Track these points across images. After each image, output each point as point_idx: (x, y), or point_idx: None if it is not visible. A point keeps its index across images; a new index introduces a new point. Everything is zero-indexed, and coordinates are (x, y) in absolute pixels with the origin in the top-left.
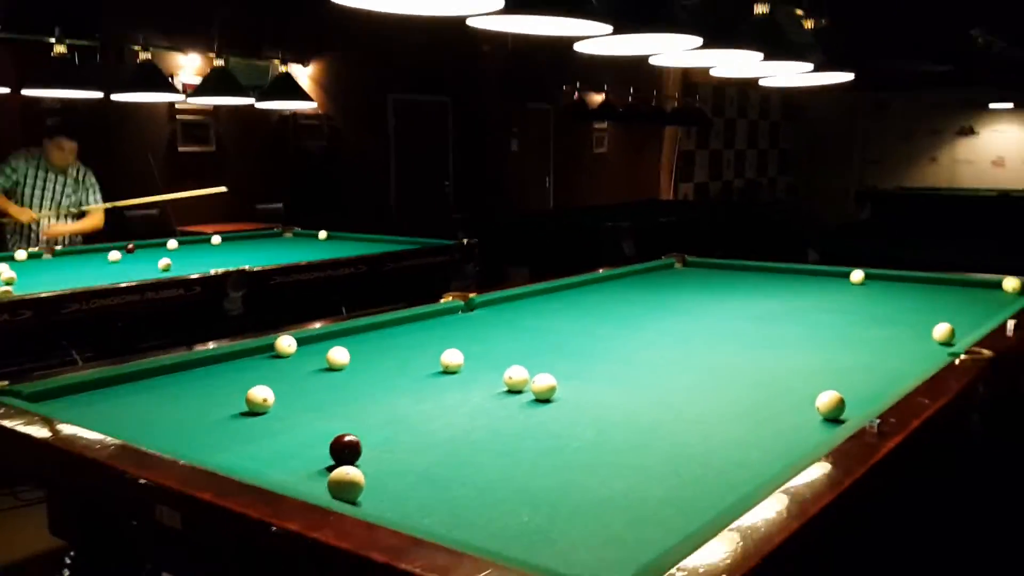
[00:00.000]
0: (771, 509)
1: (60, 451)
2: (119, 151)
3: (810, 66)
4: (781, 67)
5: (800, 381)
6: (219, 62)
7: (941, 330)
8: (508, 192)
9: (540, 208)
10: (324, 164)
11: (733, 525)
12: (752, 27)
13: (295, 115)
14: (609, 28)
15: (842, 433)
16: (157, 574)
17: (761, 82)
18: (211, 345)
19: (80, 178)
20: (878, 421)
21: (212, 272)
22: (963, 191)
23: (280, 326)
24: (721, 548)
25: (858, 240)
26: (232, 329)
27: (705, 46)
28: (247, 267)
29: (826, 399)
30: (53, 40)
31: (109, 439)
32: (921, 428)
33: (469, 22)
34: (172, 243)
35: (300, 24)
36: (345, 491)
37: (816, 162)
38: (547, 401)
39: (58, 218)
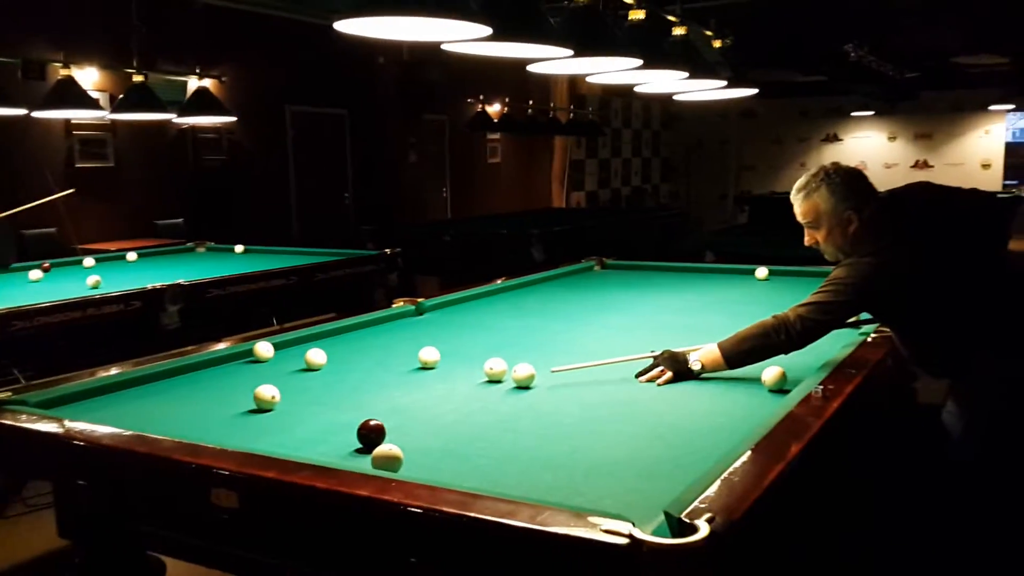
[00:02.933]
0: (757, 458)
1: (113, 450)
2: (15, 167)
3: (724, 83)
4: (700, 84)
5: None
6: (139, 78)
7: (771, 374)
8: (407, 202)
9: (438, 218)
10: (224, 178)
11: (730, 469)
12: (675, 47)
13: (194, 129)
14: (570, 52)
15: (791, 400)
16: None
17: (675, 97)
18: (189, 355)
19: None
20: (821, 388)
21: (149, 287)
22: None
23: (217, 338)
24: (726, 487)
25: (740, 241)
26: (170, 343)
27: (642, 67)
28: (183, 281)
29: (772, 374)
30: None
31: (154, 436)
32: (853, 392)
33: (444, 46)
34: (89, 260)
35: (197, 36)
36: (390, 464)
37: (694, 169)
38: (527, 388)
39: None
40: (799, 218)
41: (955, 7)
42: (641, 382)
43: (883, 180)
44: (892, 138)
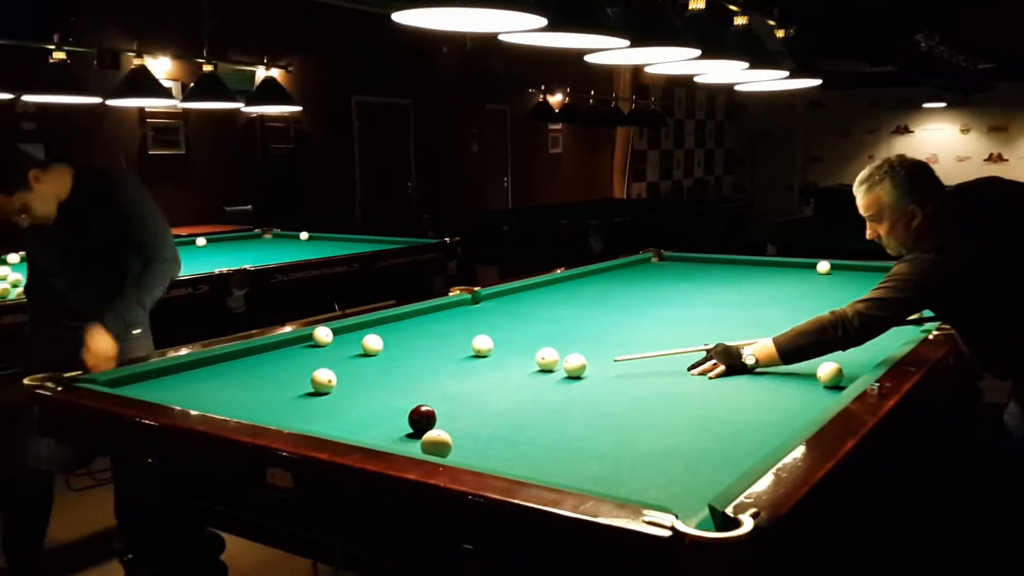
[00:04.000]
0: (807, 454)
1: (175, 428)
2: (92, 156)
3: (786, 73)
4: (761, 75)
5: None
6: (209, 67)
7: (826, 370)
8: (468, 192)
9: (499, 207)
10: (291, 166)
11: (779, 465)
12: (736, 37)
13: (262, 118)
14: (626, 42)
15: (846, 396)
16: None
17: (737, 87)
18: (252, 338)
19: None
20: (877, 385)
21: (217, 271)
22: None
23: (282, 322)
24: (773, 482)
25: (804, 234)
26: (236, 326)
27: (701, 57)
28: (248, 266)
29: (827, 369)
30: (52, 47)
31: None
32: (911, 390)
33: (501, 37)
34: None
35: (265, 27)
36: (438, 449)
37: (759, 160)
38: (578, 378)
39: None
40: (861, 211)
41: None
42: (693, 375)
43: (955, 174)
44: (965, 131)
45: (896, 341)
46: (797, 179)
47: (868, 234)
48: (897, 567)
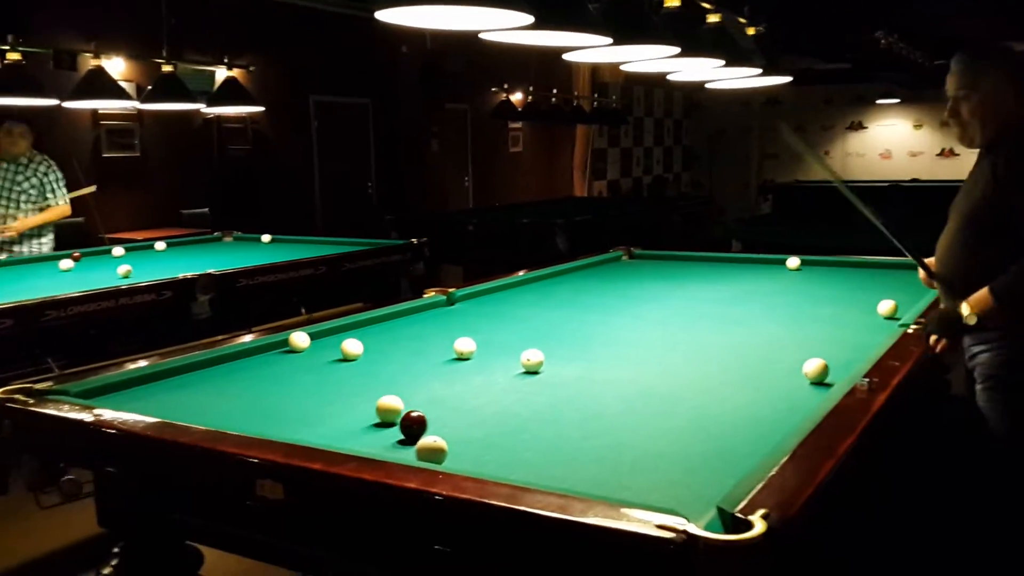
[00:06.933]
0: (808, 452)
1: (158, 440)
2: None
3: (759, 70)
4: (735, 72)
5: (777, 353)
6: (168, 68)
7: (886, 306)
8: (429, 191)
9: (460, 206)
10: (249, 167)
11: (781, 464)
12: (711, 35)
13: (219, 119)
14: (610, 40)
15: (836, 393)
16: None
17: (709, 85)
18: (226, 344)
19: (41, 173)
20: (867, 380)
21: (181, 276)
22: (855, 183)
23: (248, 327)
24: (780, 482)
25: (766, 230)
26: (200, 332)
27: (679, 55)
28: (213, 271)
29: (813, 366)
30: (6, 48)
31: (199, 427)
32: (899, 385)
33: (482, 36)
34: (118, 250)
35: (223, 26)
36: (434, 456)
37: (717, 157)
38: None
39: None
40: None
41: None
42: (937, 351)
43: (908, 169)
44: (918, 126)
45: (877, 337)
46: (754, 176)
47: (947, 114)
48: (891, 559)
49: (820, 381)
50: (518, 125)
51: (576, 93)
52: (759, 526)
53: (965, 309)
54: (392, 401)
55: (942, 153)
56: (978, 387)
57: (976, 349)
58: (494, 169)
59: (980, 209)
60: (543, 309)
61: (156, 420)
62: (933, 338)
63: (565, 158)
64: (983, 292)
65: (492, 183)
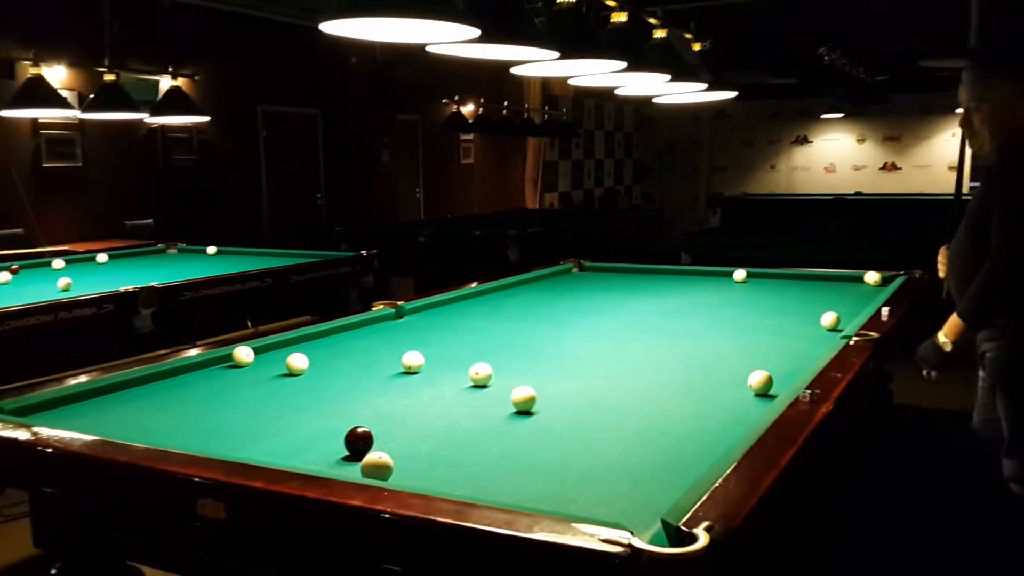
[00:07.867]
0: (751, 463)
1: (96, 459)
2: None
3: (704, 85)
4: (681, 87)
5: (722, 364)
6: (111, 76)
7: (829, 318)
8: (379, 203)
9: (411, 218)
10: (194, 178)
11: (725, 476)
12: (657, 50)
13: (163, 128)
14: (555, 54)
15: (780, 404)
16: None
17: (655, 100)
18: (169, 359)
19: None
20: (809, 392)
21: (123, 289)
22: (801, 195)
23: (192, 342)
24: (723, 493)
25: (714, 243)
26: (143, 347)
27: (625, 69)
28: (156, 283)
29: (758, 378)
30: None
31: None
32: (840, 396)
33: (429, 48)
34: (58, 262)
35: (167, 35)
36: (380, 472)
37: (667, 170)
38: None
39: None
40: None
41: (924, 12)
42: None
43: (852, 182)
44: (861, 140)
45: (820, 348)
46: (703, 189)
47: (960, 122)
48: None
49: (764, 393)
50: (469, 137)
51: (527, 105)
52: (702, 538)
53: (941, 337)
54: (528, 391)
55: (885, 167)
56: (985, 386)
57: (985, 347)
58: (445, 181)
59: (976, 211)
60: (493, 322)
61: (95, 438)
62: (925, 371)
63: (517, 170)
64: (952, 317)
65: (443, 195)
